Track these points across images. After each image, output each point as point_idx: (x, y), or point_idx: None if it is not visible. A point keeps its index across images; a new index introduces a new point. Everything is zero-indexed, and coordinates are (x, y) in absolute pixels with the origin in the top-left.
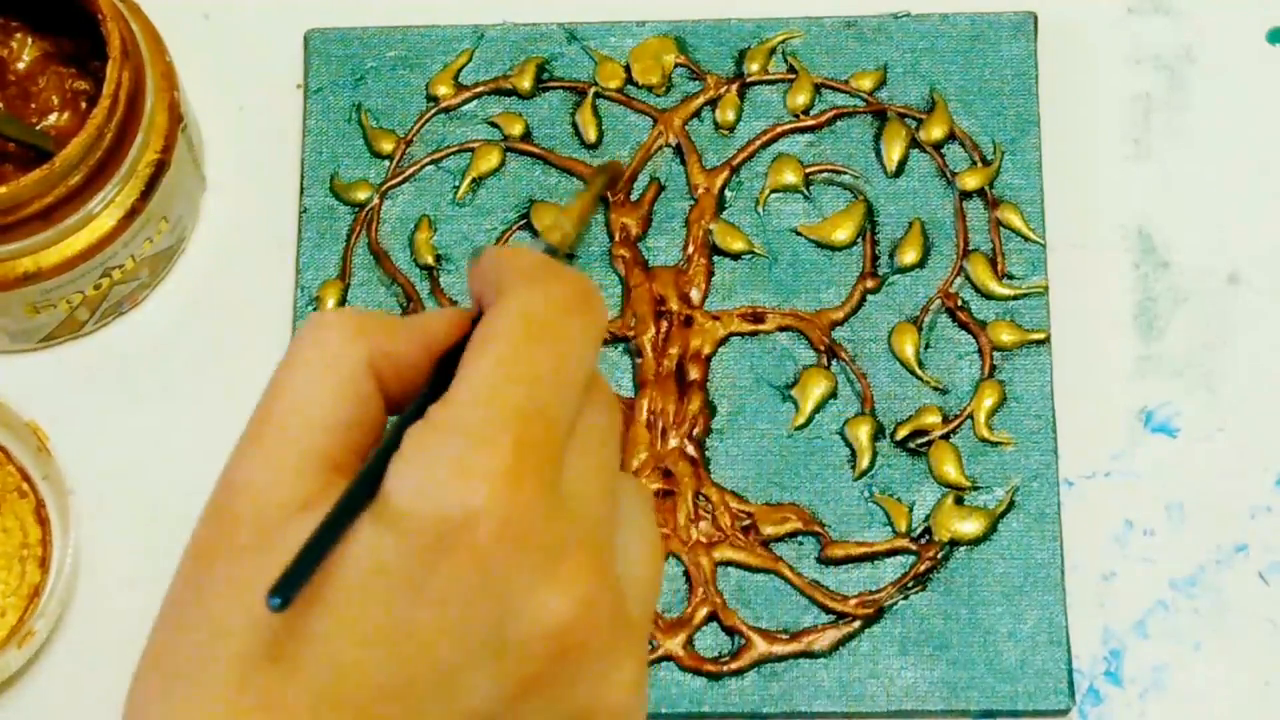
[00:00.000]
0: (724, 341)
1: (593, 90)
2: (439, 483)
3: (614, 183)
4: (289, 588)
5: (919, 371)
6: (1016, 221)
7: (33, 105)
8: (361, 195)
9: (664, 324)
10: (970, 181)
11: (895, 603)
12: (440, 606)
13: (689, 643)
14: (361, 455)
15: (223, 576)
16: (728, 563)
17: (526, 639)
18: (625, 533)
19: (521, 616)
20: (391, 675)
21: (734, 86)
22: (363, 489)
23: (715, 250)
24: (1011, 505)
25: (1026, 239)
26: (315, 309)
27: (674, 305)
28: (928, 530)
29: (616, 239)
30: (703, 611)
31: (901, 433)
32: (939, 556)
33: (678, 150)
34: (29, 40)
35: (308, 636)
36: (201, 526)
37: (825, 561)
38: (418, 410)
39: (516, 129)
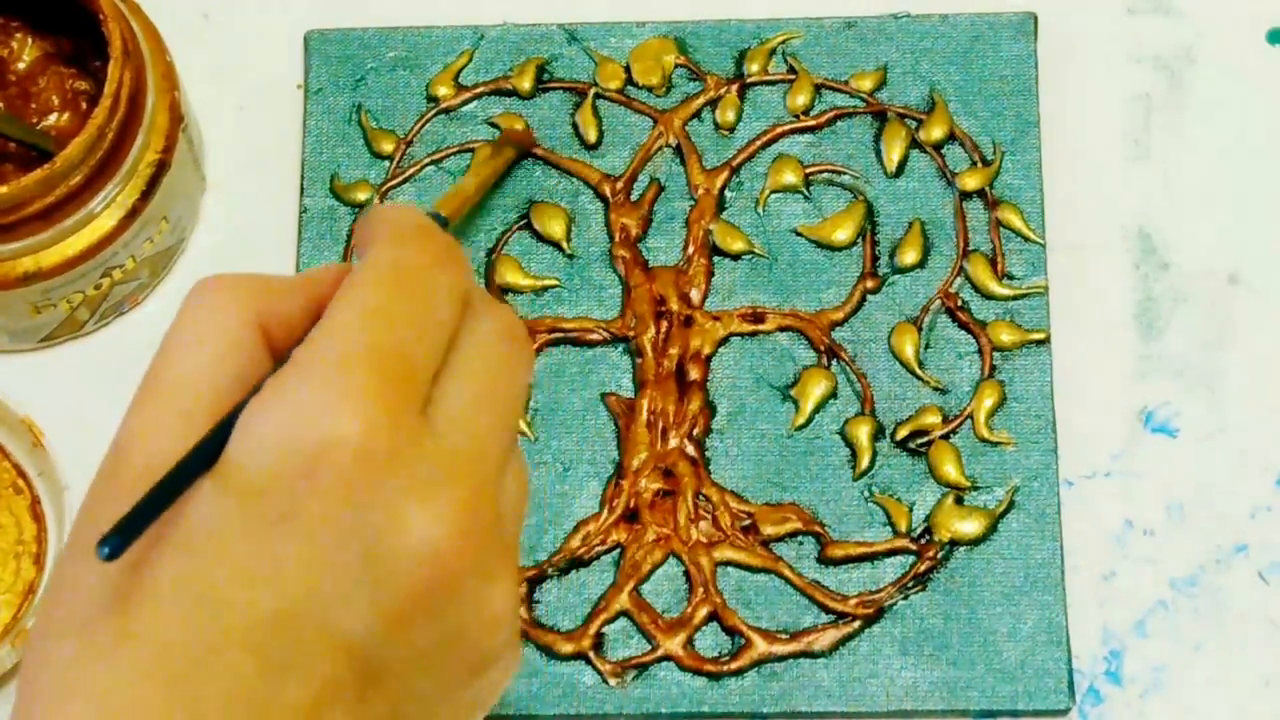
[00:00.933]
0: (724, 342)
1: (593, 91)
2: (296, 415)
3: (522, 155)
4: (123, 535)
5: (919, 371)
6: (1016, 222)
7: (33, 105)
8: (361, 195)
9: (664, 324)
10: (970, 182)
11: (895, 603)
12: (307, 537)
13: (689, 643)
14: None
15: (99, 527)
16: (728, 563)
17: (401, 564)
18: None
19: (395, 542)
20: (264, 609)
21: (734, 87)
22: (220, 434)
23: (715, 250)
24: (1011, 505)
25: (1026, 239)
26: None
27: (674, 305)
28: (928, 530)
29: (616, 239)
30: (703, 611)
31: (901, 433)
32: (939, 556)
33: (678, 151)
34: (29, 40)
35: (154, 583)
36: (92, 484)
37: (825, 561)
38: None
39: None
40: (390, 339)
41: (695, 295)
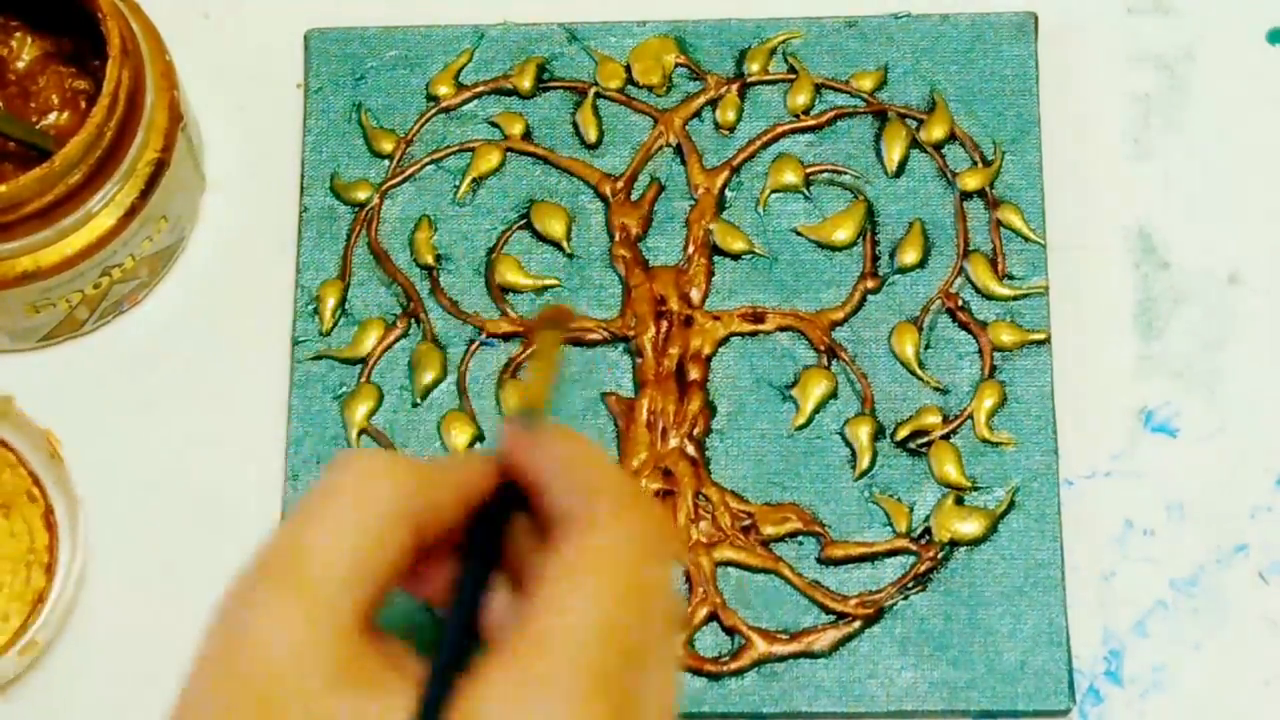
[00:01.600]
0: (724, 341)
1: (593, 90)
2: None
3: (562, 328)
4: None
5: (919, 371)
6: (1017, 222)
7: (33, 104)
8: (361, 195)
9: (664, 324)
10: (970, 182)
11: (895, 603)
12: None
13: (689, 643)
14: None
15: None
16: (728, 563)
17: None
18: None
19: None
20: None
21: (734, 86)
22: (429, 713)
23: (715, 250)
24: (1012, 505)
25: (1027, 239)
26: (315, 309)
27: (674, 305)
28: (928, 530)
29: (617, 239)
30: (702, 611)
31: (902, 433)
32: (939, 557)
33: (678, 150)
34: (29, 39)
35: None
36: (205, 672)
37: (825, 561)
38: (463, 604)
39: (517, 129)
40: (625, 663)
41: (695, 295)
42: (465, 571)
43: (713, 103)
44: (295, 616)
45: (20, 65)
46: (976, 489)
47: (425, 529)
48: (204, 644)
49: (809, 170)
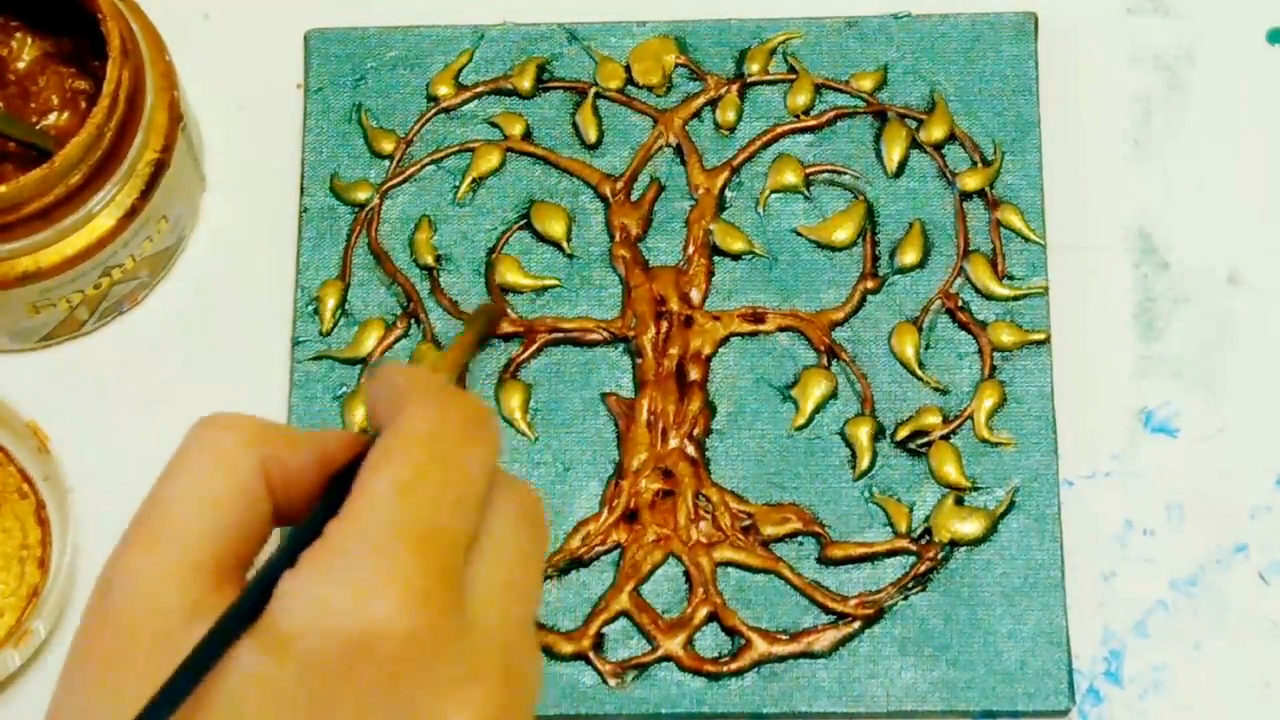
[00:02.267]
0: (724, 342)
1: (593, 90)
2: (339, 601)
3: (493, 326)
4: (158, 716)
5: (919, 372)
6: (1017, 222)
7: (33, 105)
8: (361, 195)
9: (664, 324)
10: (970, 182)
11: (895, 603)
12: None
13: (689, 643)
14: (246, 564)
15: (100, 683)
16: (728, 563)
17: None
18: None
19: None
20: None
21: (734, 87)
22: (248, 604)
23: (715, 250)
24: (1011, 506)
25: (1026, 239)
26: (315, 309)
27: (674, 305)
28: (928, 531)
29: (616, 239)
30: (703, 612)
31: (902, 433)
32: (939, 557)
33: (678, 150)
34: (29, 40)
35: None
36: (83, 626)
37: (825, 562)
38: (311, 527)
39: (517, 129)
40: (429, 518)
41: (695, 295)
42: (304, 517)
43: (713, 103)
44: (151, 564)
45: (20, 65)
46: (976, 489)
47: (277, 487)
48: (83, 616)
49: (809, 170)
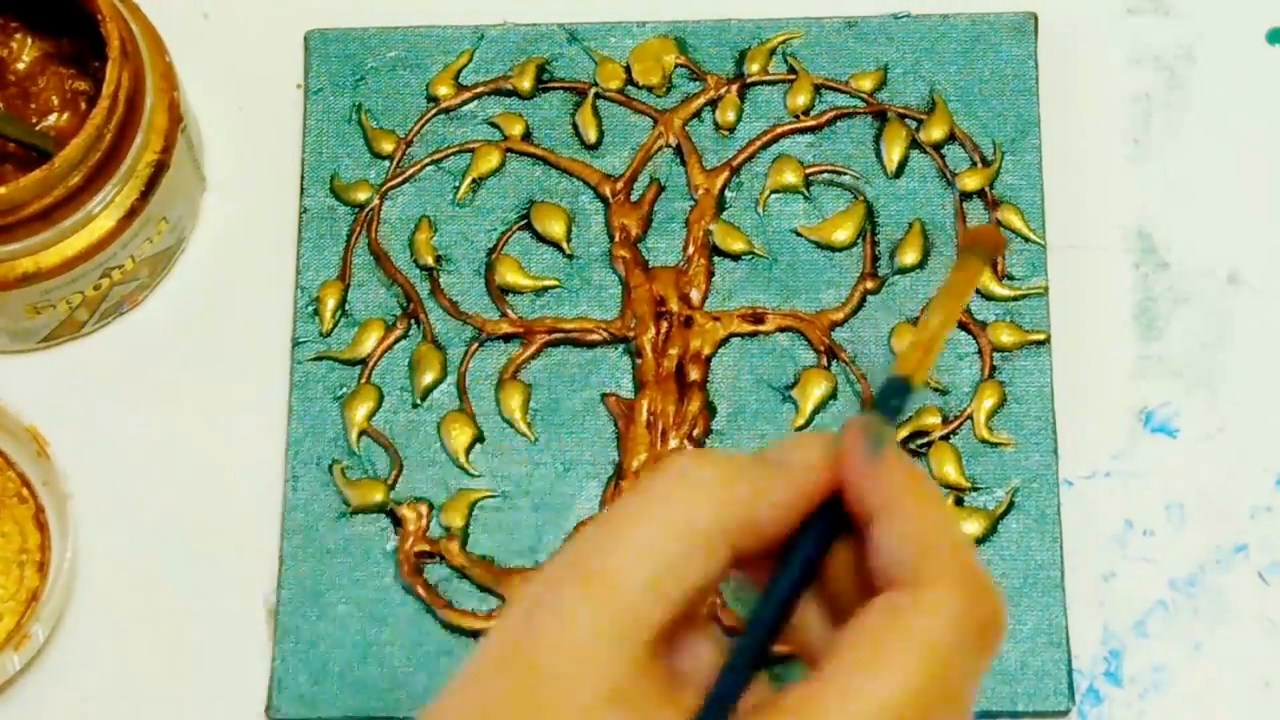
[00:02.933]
0: (724, 342)
1: (593, 91)
2: None
3: (988, 254)
4: None
5: None
6: (1016, 222)
7: (33, 105)
8: (361, 195)
9: (664, 325)
10: (970, 182)
11: None
12: None
13: None
14: (682, 624)
15: None
16: None
17: None
18: None
19: None
20: None
21: (734, 87)
22: None
23: (715, 251)
24: (1011, 506)
25: (1026, 239)
26: (315, 309)
27: (674, 306)
28: None
29: (616, 239)
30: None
31: (901, 433)
32: None
33: (678, 151)
34: (29, 40)
35: None
36: (488, 662)
37: None
38: (759, 635)
39: (517, 129)
40: None
41: (695, 296)
42: (768, 593)
43: (712, 103)
44: (586, 625)
45: (20, 66)
46: (976, 489)
47: (744, 546)
48: (496, 629)
49: (809, 170)
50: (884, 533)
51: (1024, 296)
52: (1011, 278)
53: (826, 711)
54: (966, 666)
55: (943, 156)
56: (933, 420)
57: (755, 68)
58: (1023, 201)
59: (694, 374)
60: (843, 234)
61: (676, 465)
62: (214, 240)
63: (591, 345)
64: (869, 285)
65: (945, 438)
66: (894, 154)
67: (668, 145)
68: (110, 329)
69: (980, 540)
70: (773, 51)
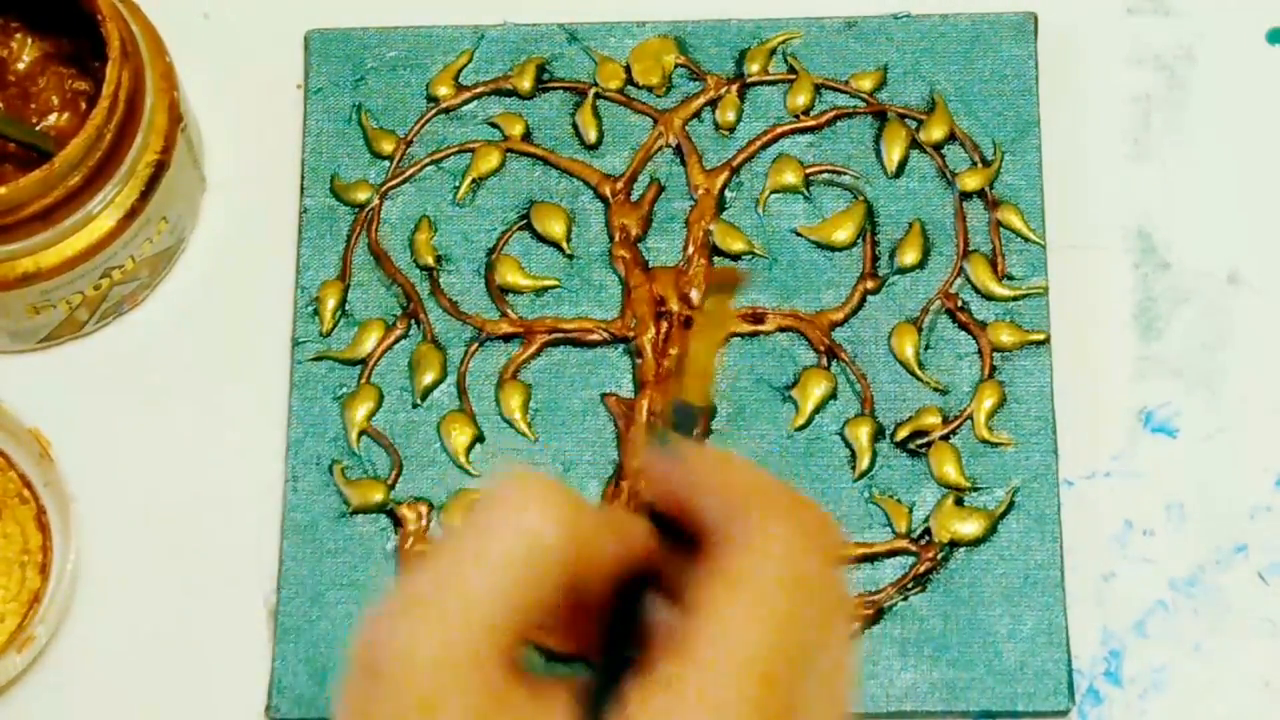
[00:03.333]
0: (724, 342)
1: (593, 91)
2: None
3: (730, 290)
4: None
5: (919, 372)
6: (1016, 222)
7: (33, 105)
8: (361, 195)
9: (664, 325)
10: (970, 182)
11: (895, 604)
12: None
13: None
14: (523, 648)
15: None
16: None
17: None
18: None
19: None
20: None
21: (734, 87)
22: None
23: (715, 251)
24: (1011, 506)
25: (1026, 239)
26: (315, 309)
27: (674, 306)
28: (927, 531)
29: (616, 239)
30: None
31: (901, 433)
32: (939, 557)
33: (678, 151)
34: (29, 40)
35: None
36: (350, 689)
37: None
38: (619, 638)
39: (517, 129)
40: (789, 680)
41: (695, 296)
42: (616, 606)
43: (712, 103)
44: (439, 647)
45: (20, 66)
46: (976, 489)
47: (581, 564)
48: (361, 642)
49: (809, 171)
50: (702, 508)
51: (1024, 296)
52: (1011, 278)
53: (708, 659)
54: (812, 575)
55: (943, 156)
56: (933, 420)
57: (755, 68)
58: (1023, 201)
59: None
60: (843, 234)
61: (521, 481)
62: (214, 240)
63: (591, 345)
64: (869, 285)
65: (945, 438)
66: (894, 154)
67: (668, 145)
68: (110, 329)
69: (980, 540)
70: (773, 51)
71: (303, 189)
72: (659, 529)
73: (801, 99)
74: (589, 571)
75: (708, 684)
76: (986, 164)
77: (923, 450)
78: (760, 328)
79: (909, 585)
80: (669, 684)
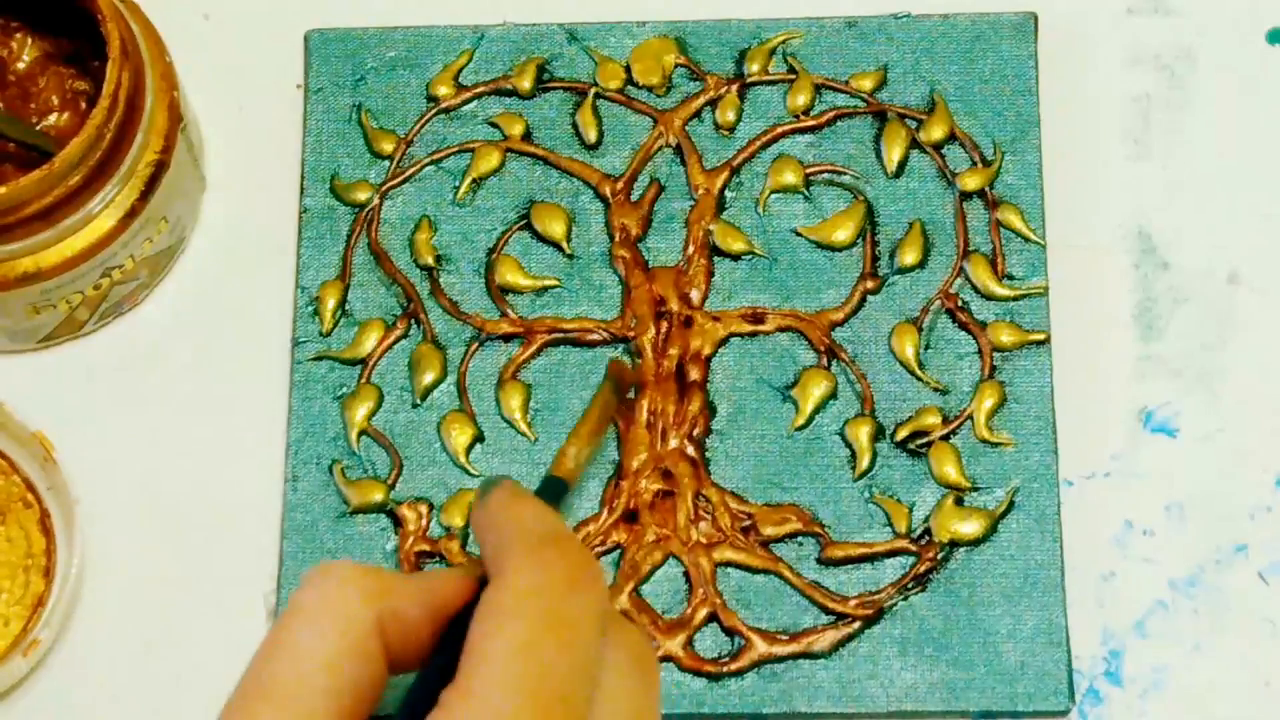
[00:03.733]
0: (724, 342)
1: (593, 91)
2: None
3: (622, 389)
4: None
5: (919, 372)
6: (1016, 222)
7: (33, 105)
8: (361, 195)
9: (664, 324)
10: (970, 182)
11: (895, 603)
12: None
13: (689, 643)
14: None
15: None
16: (728, 563)
17: None
18: None
19: None
20: None
21: (734, 87)
22: None
23: (715, 251)
24: (1011, 506)
25: (1026, 239)
26: (315, 309)
27: (674, 306)
28: (928, 531)
29: (616, 239)
30: (702, 612)
31: (901, 433)
32: (939, 557)
33: (678, 150)
34: (29, 40)
35: None
36: None
37: (825, 562)
38: (425, 686)
39: (517, 129)
40: (550, 684)
41: (695, 295)
42: (419, 671)
43: (712, 103)
44: None
45: (20, 66)
46: (976, 489)
47: (392, 638)
48: None
49: (809, 171)
50: (484, 548)
51: (1024, 296)
52: (1011, 278)
53: (468, 681)
54: (570, 607)
55: (943, 156)
56: (933, 420)
57: (755, 68)
58: (1023, 201)
59: (694, 374)
60: (843, 234)
61: (320, 572)
62: (214, 240)
63: (591, 345)
64: (869, 285)
65: (945, 438)
66: (894, 154)
67: (668, 145)
68: (110, 329)
69: (980, 540)
70: (773, 51)
71: (303, 189)
72: (483, 581)
73: (801, 99)
74: (401, 626)
75: (473, 711)
76: (986, 164)
77: (923, 450)
78: (760, 328)
79: (909, 585)
80: (448, 712)
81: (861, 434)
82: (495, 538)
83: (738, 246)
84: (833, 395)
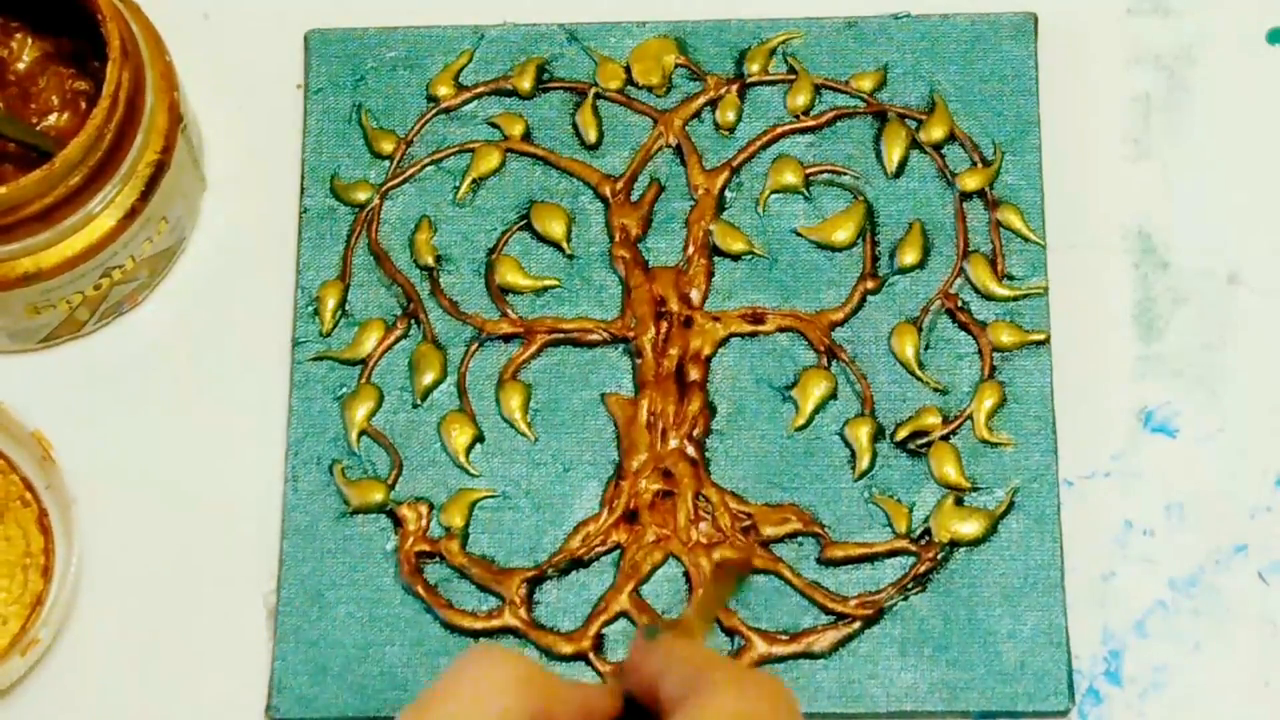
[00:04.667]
0: (724, 342)
1: (593, 91)
2: None
3: (743, 576)
4: None
5: (919, 372)
6: (1016, 222)
7: (33, 105)
8: (361, 195)
9: (664, 325)
10: (970, 182)
11: (895, 604)
12: None
13: None
14: None
15: None
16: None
17: None
18: None
19: None
20: None
21: (734, 87)
22: None
23: (715, 251)
24: (1011, 506)
25: (1026, 240)
26: (315, 309)
27: (674, 306)
28: (927, 531)
29: (616, 239)
30: None
31: (901, 433)
32: (939, 557)
33: (678, 151)
34: (29, 40)
35: None
36: None
37: (825, 562)
38: None
39: (517, 129)
40: None
41: (695, 296)
42: None
43: (712, 103)
44: None
45: (20, 66)
46: (976, 490)
47: None
48: None
49: (809, 171)
50: (668, 680)
51: (1024, 296)
52: (1011, 278)
53: None
54: None
55: (943, 156)
56: (933, 420)
57: (755, 68)
58: (1023, 201)
59: (694, 374)
60: (843, 234)
61: (477, 657)
62: (214, 240)
63: (591, 345)
64: (869, 285)
65: (945, 438)
66: (894, 154)
67: (668, 145)
68: (110, 329)
69: (980, 540)
70: (773, 51)
71: (303, 189)
72: (628, 703)
73: (801, 99)
74: None
75: None
76: (986, 164)
77: (923, 450)
78: (760, 328)
79: (909, 585)
80: None
81: (861, 434)
82: (687, 668)
83: (738, 247)
84: (833, 395)
